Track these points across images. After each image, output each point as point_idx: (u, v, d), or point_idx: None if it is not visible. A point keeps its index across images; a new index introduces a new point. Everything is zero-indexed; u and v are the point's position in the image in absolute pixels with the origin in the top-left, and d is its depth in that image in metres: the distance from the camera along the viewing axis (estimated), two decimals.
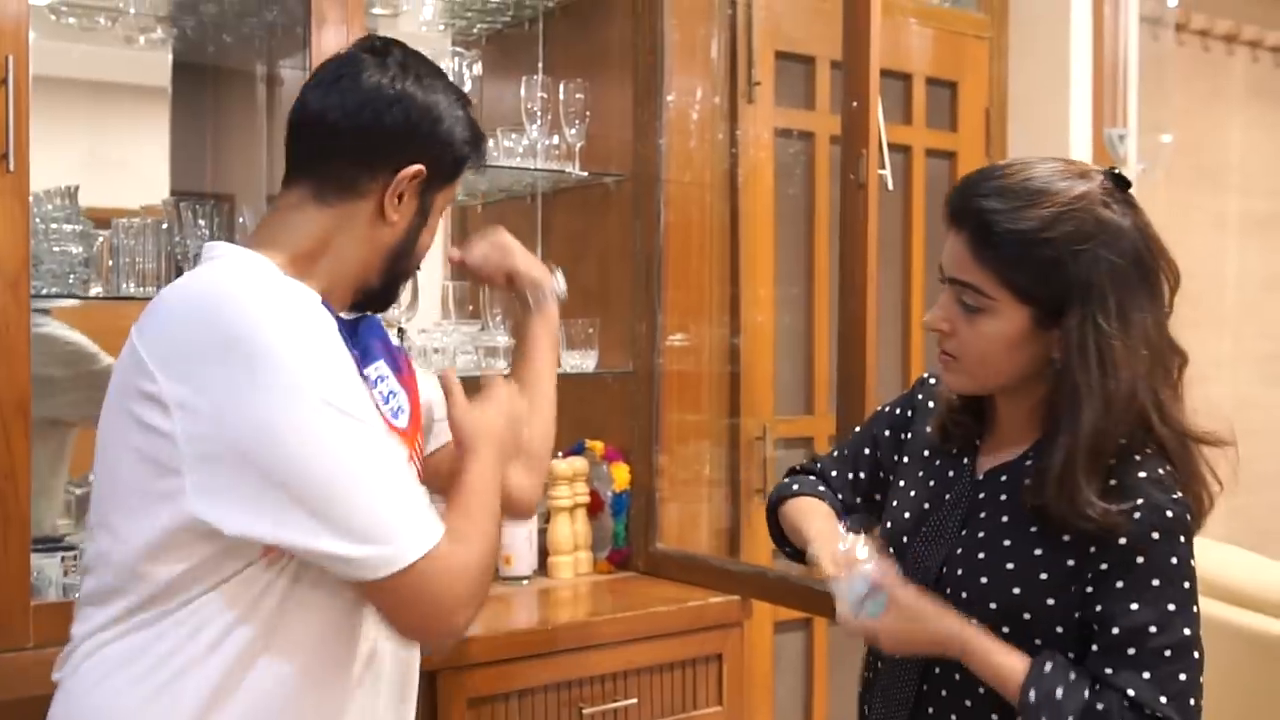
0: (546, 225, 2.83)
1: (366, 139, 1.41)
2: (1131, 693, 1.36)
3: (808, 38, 3.02)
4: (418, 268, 1.54)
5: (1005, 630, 1.45)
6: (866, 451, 1.76)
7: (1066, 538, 1.43)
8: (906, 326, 3.24)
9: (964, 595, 1.49)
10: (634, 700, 2.24)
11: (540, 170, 2.57)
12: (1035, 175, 1.46)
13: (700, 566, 2.53)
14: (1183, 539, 1.41)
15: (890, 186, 2.23)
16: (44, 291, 2.04)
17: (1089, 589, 1.42)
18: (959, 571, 1.50)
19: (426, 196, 1.47)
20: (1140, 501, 1.40)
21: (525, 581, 2.49)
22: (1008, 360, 1.48)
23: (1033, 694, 1.37)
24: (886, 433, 1.74)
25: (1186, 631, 1.39)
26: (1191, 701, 1.39)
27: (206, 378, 1.26)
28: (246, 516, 1.26)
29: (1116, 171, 1.50)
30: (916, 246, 3.26)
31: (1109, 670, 1.38)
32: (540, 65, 2.82)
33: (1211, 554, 3.63)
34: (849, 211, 2.11)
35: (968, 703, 1.50)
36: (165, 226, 2.17)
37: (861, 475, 1.76)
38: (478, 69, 2.55)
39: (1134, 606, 1.38)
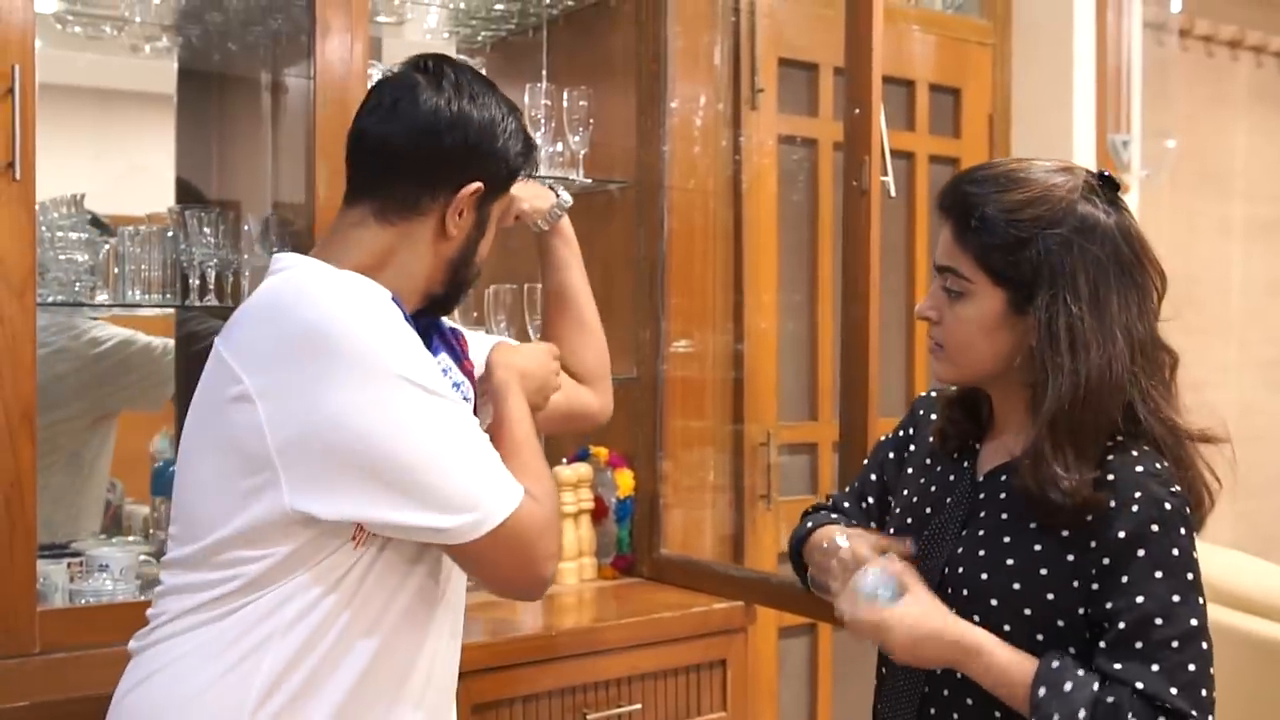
0: None
1: (428, 163, 1.46)
2: (1141, 685, 1.36)
3: (810, 44, 3.03)
4: (479, 273, 1.59)
5: (1007, 628, 1.45)
6: (873, 478, 1.78)
7: (1065, 533, 1.44)
8: (909, 333, 3.24)
9: (965, 593, 1.49)
10: (638, 706, 2.24)
11: (544, 177, 2.58)
12: (1020, 167, 1.52)
13: (704, 572, 2.53)
14: (1182, 530, 1.41)
15: (893, 193, 2.23)
16: (50, 300, 2.05)
17: (1093, 585, 1.42)
18: (960, 570, 1.51)
19: (484, 209, 1.53)
20: (1138, 495, 1.41)
21: None
22: (986, 345, 1.50)
23: (1042, 690, 1.38)
24: (890, 455, 1.76)
25: (1193, 622, 1.39)
26: (1203, 692, 1.38)
27: (288, 370, 1.32)
28: (340, 501, 1.32)
29: (1106, 174, 1.53)
30: (919, 253, 3.26)
31: (1117, 665, 1.38)
32: (544, 73, 2.82)
33: (1217, 559, 3.63)
34: (852, 218, 2.11)
35: (969, 701, 1.50)
36: (171, 234, 2.18)
37: (870, 501, 1.77)
38: None
39: (1139, 600, 1.39)
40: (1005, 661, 1.42)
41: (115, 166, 2.58)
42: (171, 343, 2.45)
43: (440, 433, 1.35)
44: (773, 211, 2.98)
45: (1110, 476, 1.42)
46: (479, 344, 1.70)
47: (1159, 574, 1.39)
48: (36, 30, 1.86)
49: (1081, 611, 1.43)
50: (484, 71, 2.54)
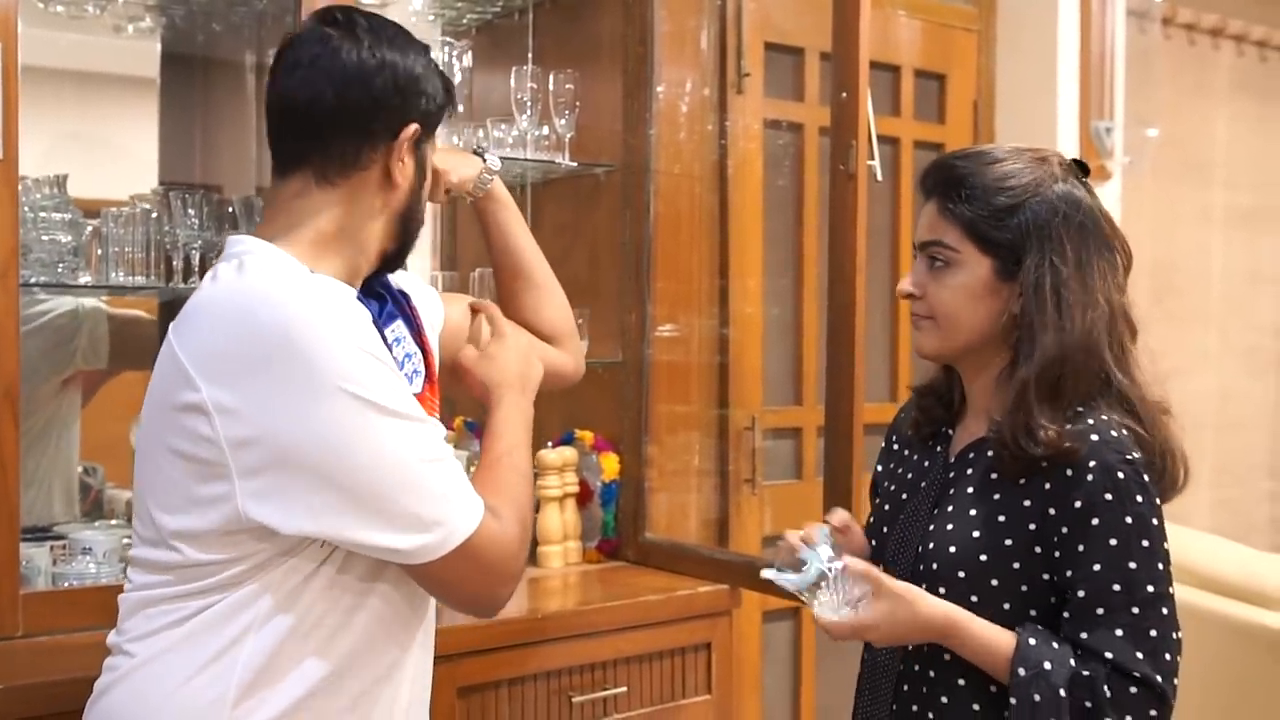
0: (536, 215, 2.83)
1: (363, 113, 1.41)
2: (1110, 655, 1.40)
3: (797, 29, 3.03)
4: (423, 220, 1.56)
5: (974, 599, 1.49)
6: (877, 501, 1.77)
7: (1027, 502, 1.48)
8: (895, 317, 3.25)
9: (935, 568, 1.53)
10: (623, 689, 2.25)
11: (530, 161, 2.57)
12: (999, 147, 1.60)
13: (689, 556, 2.54)
14: (1138, 498, 1.44)
15: (880, 177, 2.23)
16: (33, 280, 2.04)
17: (1055, 553, 1.46)
18: (931, 546, 1.55)
19: (421, 151, 1.49)
20: (1092, 464, 1.44)
21: None
22: (972, 313, 1.55)
23: (1022, 670, 1.41)
24: (879, 469, 1.78)
25: (1150, 588, 1.42)
26: (1167, 656, 1.42)
27: (248, 383, 1.28)
28: (300, 517, 1.30)
29: (1077, 159, 1.60)
30: (904, 238, 3.27)
31: (1084, 634, 1.42)
32: (530, 56, 2.82)
33: (1198, 545, 3.66)
34: (838, 202, 2.11)
35: (944, 699, 1.54)
36: (154, 216, 2.16)
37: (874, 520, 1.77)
38: (468, 60, 2.55)
39: (1096, 568, 1.43)
40: (982, 638, 1.46)
41: (98, 148, 2.56)
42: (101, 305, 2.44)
43: (402, 453, 1.32)
44: (758, 196, 2.98)
45: (1069, 444, 1.46)
46: (426, 300, 1.68)
47: (1113, 541, 1.43)
48: (19, 10, 1.84)
49: (1046, 577, 1.47)
50: (470, 55, 2.55)
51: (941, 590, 1.51)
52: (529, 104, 2.53)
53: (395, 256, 1.52)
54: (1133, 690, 1.40)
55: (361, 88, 1.41)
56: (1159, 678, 1.41)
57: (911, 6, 3.33)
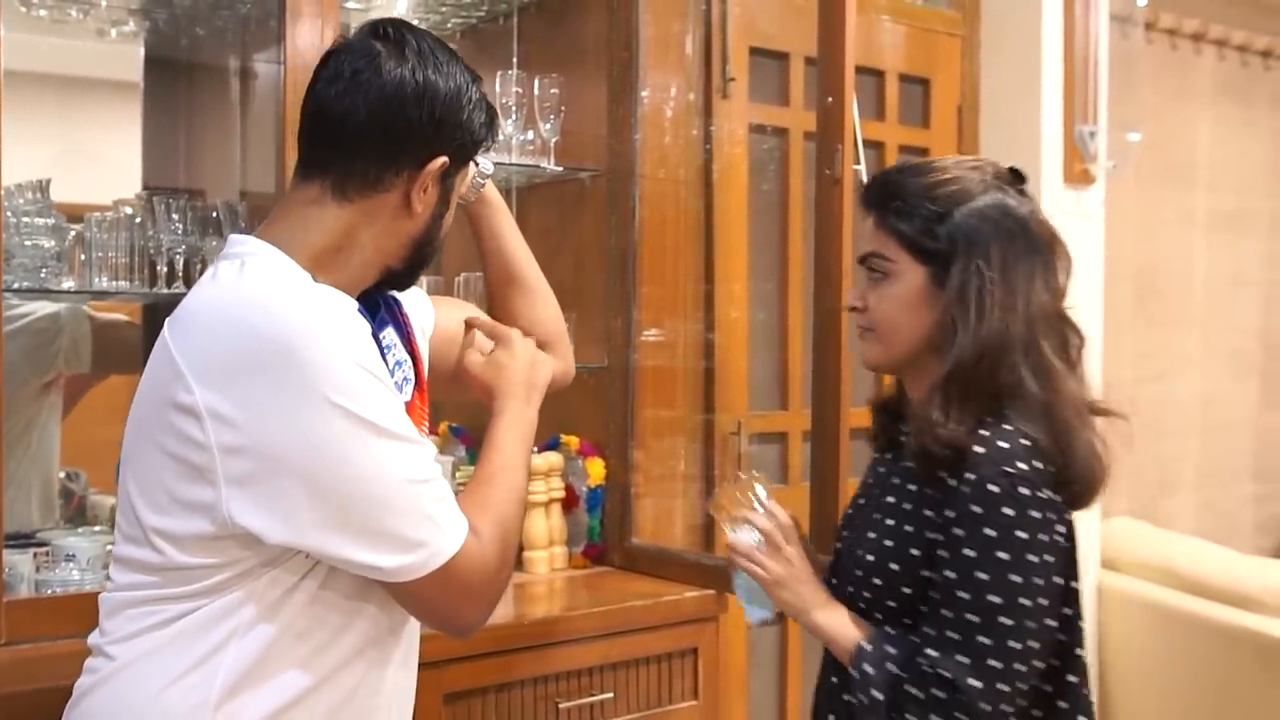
0: (521, 220, 2.78)
1: (393, 138, 1.39)
2: (934, 653, 1.47)
3: (782, 34, 3.03)
4: (440, 249, 1.54)
5: (892, 604, 1.57)
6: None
7: (928, 512, 1.54)
8: None
9: (859, 574, 1.62)
10: (610, 694, 2.24)
11: (515, 165, 2.57)
12: (936, 159, 1.66)
13: (675, 561, 2.54)
14: (1007, 510, 1.46)
15: (865, 181, 2.23)
16: (16, 285, 2.03)
17: (930, 556, 1.53)
18: (859, 553, 1.63)
19: (448, 182, 1.47)
20: (970, 477, 1.48)
21: None
22: (910, 322, 1.59)
23: (854, 672, 1.52)
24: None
25: (997, 599, 1.45)
26: (995, 664, 1.44)
27: (243, 392, 1.26)
28: (285, 527, 1.28)
29: (1014, 167, 1.64)
30: None
31: (927, 628, 1.50)
32: (515, 60, 2.81)
33: (1182, 548, 3.68)
34: (824, 206, 2.12)
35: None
36: (138, 221, 2.16)
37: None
38: None
39: (949, 574, 1.48)
40: (833, 631, 1.59)
41: (81, 153, 2.54)
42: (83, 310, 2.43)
43: (391, 473, 1.31)
44: (744, 200, 2.98)
45: (965, 446, 1.50)
46: (416, 305, 1.66)
47: (969, 552, 1.46)
48: (2, 15, 1.84)
49: (925, 574, 1.53)
50: None
51: (866, 595, 1.60)
52: (514, 108, 2.52)
53: (401, 276, 1.50)
54: (937, 693, 1.45)
55: (397, 112, 1.39)
56: (974, 683, 1.44)
57: (895, 11, 3.34)
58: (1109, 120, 3.51)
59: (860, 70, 3.26)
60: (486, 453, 1.50)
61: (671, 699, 2.34)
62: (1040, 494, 1.48)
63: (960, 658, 1.45)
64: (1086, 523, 3.53)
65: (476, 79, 1.48)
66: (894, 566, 1.57)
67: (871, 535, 1.62)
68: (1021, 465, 1.48)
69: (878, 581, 1.59)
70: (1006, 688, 1.45)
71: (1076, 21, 3.40)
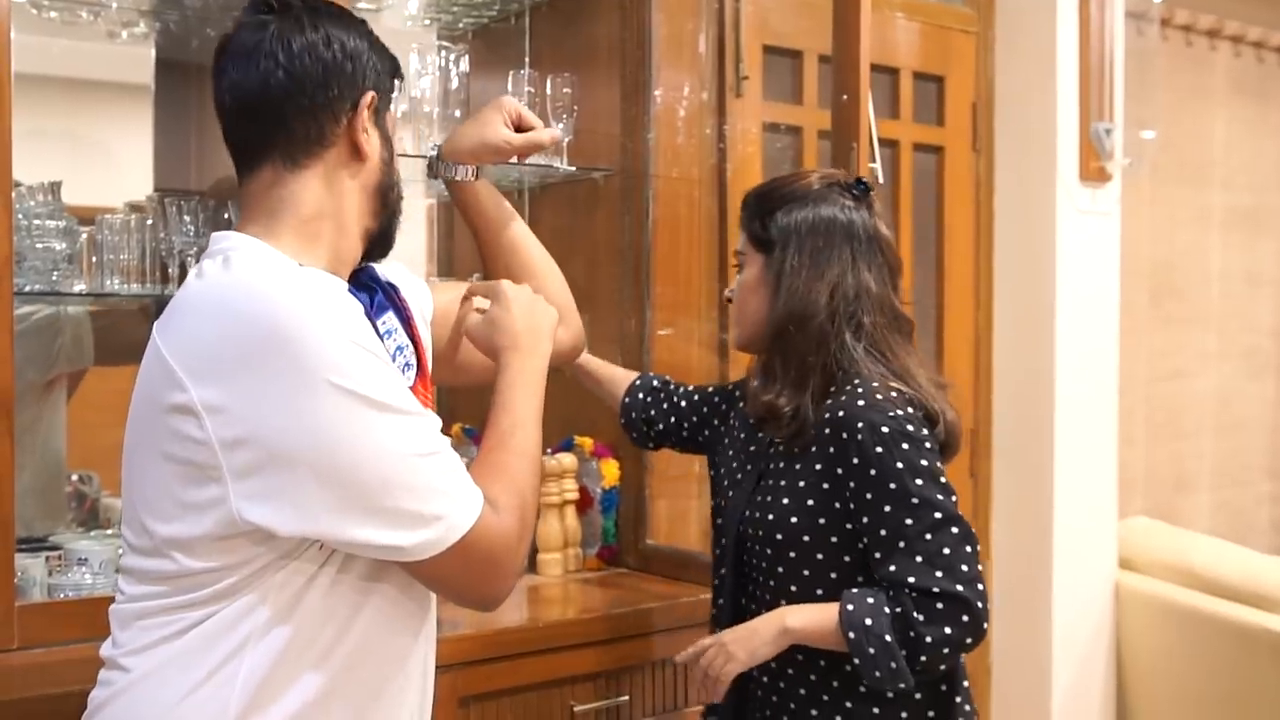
0: (534, 220, 2.81)
1: (318, 86, 1.40)
2: (912, 579, 1.65)
3: (795, 32, 3.01)
4: (401, 192, 1.53)
5: (792, 554, 1.77)
6: (718, 473, 2.03)
7: (818, 466, 1.75)
8: None
9: (759, 533, 1.81)
10: (626, 698, 2.23)
11: (527, 165, 2.55)
12: (792, 172, 1.98)
13: (690, 562, 2.52)
14: (904, 445, 1.70)
15: (881, 180, 2.22)
16: (27, 289, 2.02)
17: (850, 505, 1.72)
18: (755, 515, 1.83)
19: (380, 120, 1.47)
20: (859, 424, 1.71)
21: None
22: (752, 303, 1.86)
23: (851, 634, 1.65)
24: (725, 440, 2.03)
25: (937, 514, 1.67)
26: (964, 568, 1.65)
27: (238, 381, 1.24)
28: (297, 517, 1.26)
29: (859, 179, 1.90)
30: (904, 240, 3.25)
31: (892, 567, 1.67)
32: (527, 60, 2.80)
33: (1198, 547, 3.65)
34: None
35: (792, 704, 1.80)
36: (150, 223, 2.15)
37: (689, 421, 2.14)
38: (464, 64, 2.52)
39: (886, 509, 1.68)
40: (814, 621, 1.71)
41: (92, 155, 2.54)
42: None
43: (398, 448, 1.28)
44: None
45: (840, 413, 1.73)
46: (414, 291, 1.65)
47: (893, 485, 1.68)
48: (12, 16, 1.83)
49: (849, 526, 1.73)
50: (467, 59, 2.53)
51: (767, 551, 1.80)
52: (526, 108, 2.50)
53: (380, 236, 1.49)
54: (939, 605, 1.63)
55: (312, 61, 1.39)
56: (959, 587, 1.64)
57: (910, 9, 3.32)
58: (1124, 117, 3.49)
59: (874, 68, 3.23)
60: (494, 414, 1.47)
61: (688, 702, 2.32)
62: (923, 431, 1.73)
63: (936, 573, 1.64)
64: (1103, 522, 3.51)
65: (363, 24, 1.49)
66: (793, 520, 1.77)
67: (768, 499, 1.81)
68: (899, 411, 1.72)
69: (779, 537, 1.78)
70: (979, 580, 1.66)
71: (1092, 18, 3.37)
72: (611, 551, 2.63)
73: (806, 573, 1.77)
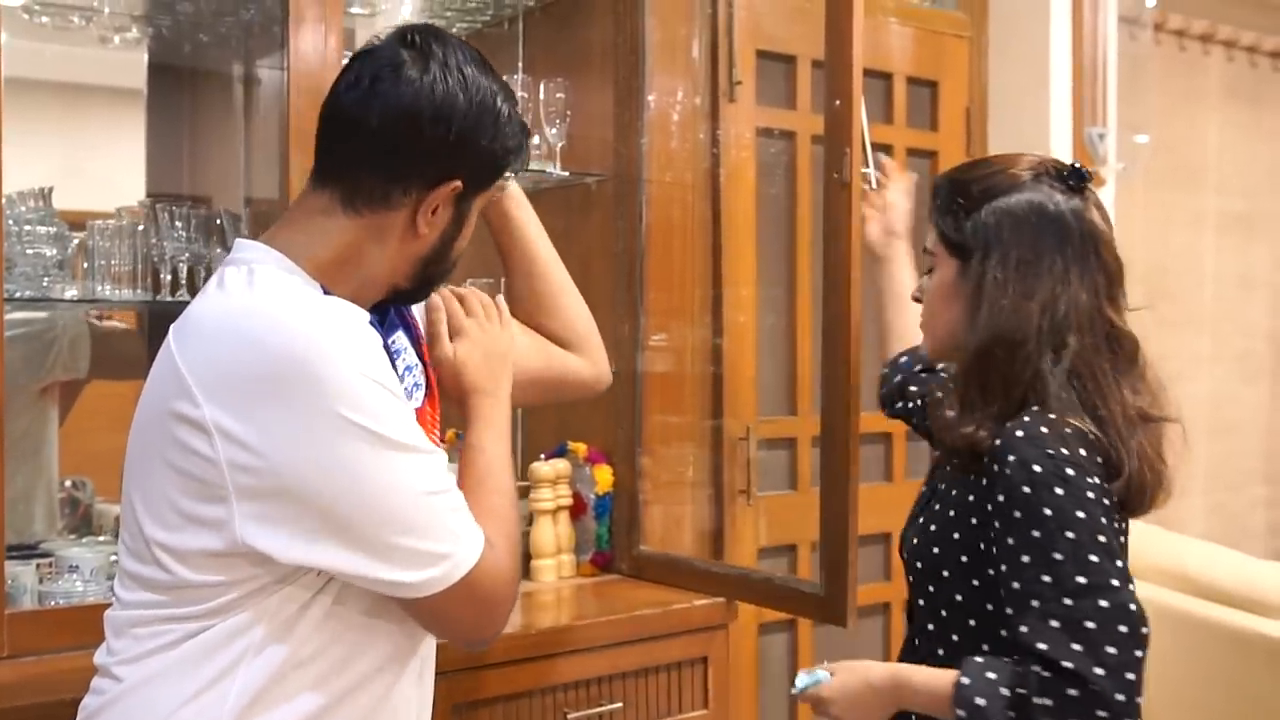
0: None
1: (401, 156, 1.34)
2: (1043, 647, 1.39)
3: (788, 37, 3.01)
4: (453, 269, 1.48)
5: (931, 589, 1.60)
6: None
7: (971, 498, 1.55)
8: None
9: (905, 558, 1.67)
10: (619, 704, 2.22)
11: (521, 170, 2.55)
12: (996, 156, 1.69)
13: (684, 569, 2.51)
14: (1057, 490, 1.44)
15: (874, 185, 2.22)
16: (18, 295, 2.02)
17: (993, 549, 1.50)
18: (908, 538, 1.68)
19: (463, 205, 1.41)
20: (1011, 459, 1.47)
21: None
22: (943, 313, 1.64)
23: (961, 712, 1.43)
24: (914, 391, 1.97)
25: (1081, 580, 1.41)
26: (1110, 650, 1.38)
27: (255, 409, 1.23)
28: (299, 546, 1.26)
29: (1076, 165, 1.62)
30: None
31: (1023, 629, 1.43)
32: (520, 65, 2.80)
33: (1193, 552, 3.65)
34: (832, 210, 2.09)
35: None
36: (141, 228, 2.14)
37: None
38: None
39: (1024, 559, 1.44)
40: (926, 688, 1.50)
41: (84, 161, 2.53)
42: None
43: (408, 487, 1.28)
44: (751, 204, 2.96)
45: (998, 441, 1.50)
46: (422, 306, 1.61)
47: (1036, 534, 1.44)
48: (3, 21, 1.82)
49: (990, 572, 1.51)
50: None
51: (910, 579, 1.66)
52: (515, 98, 2.50)
53: (408, 294, 1.47)
54: (1070, 692, 1.37)
55: (410, 128, 1.33)
56: (1099, 672, 1.37)
57: (903, 14, 3.32)
58: (1118, 122, 3.49)
59: (868, 73, 3.23)
60: (468, 455, 1.46)
61: (681, 708, 2.32)
62: (1089, 479, 1.45)
63: (1074, 646, 1.39)
64: None
65: (508, 96, 1.41)
66: (935, 550, 1.59)
67: (921, 521, 1.66)
68: (1064, 450, 1.46)
69: (919, 566, 1.62)
70: (1131, 675, 1.38)
71: (1085, 23, 3.38)
72: (605, 558, 2.62)
73: (944, 613, 1.59)
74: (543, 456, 2.62)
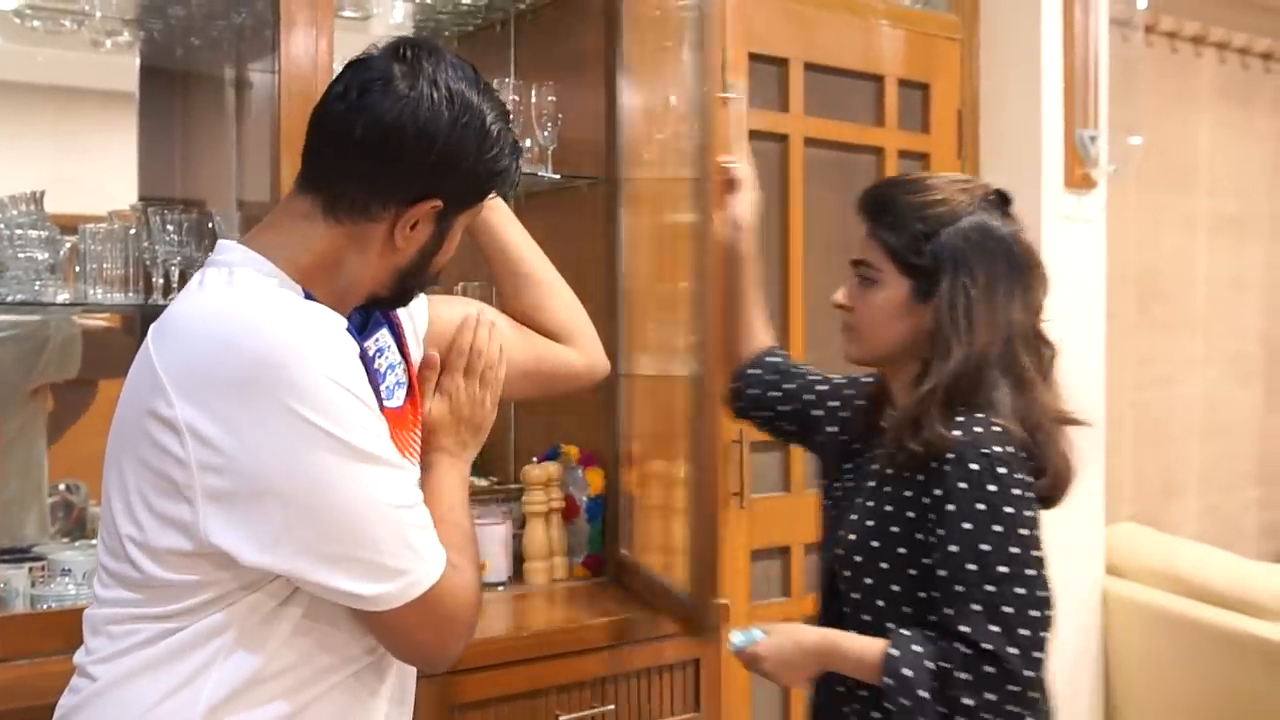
0: None
1: (383, 170, 1.33)
2: (965, 629, 1.55)
3: (780, 40, 3.02)
4: (434, 281, 1.48)
5: (868, 581, 1.69)
6: (813, 397, 2.00)
7: (908, 493, 1.66)
8: None
9: (840, 553, 1.74)
10: (611, 706, 2.22)
11: (511, 192, 2.54)
12: (929, 176, 1.78)
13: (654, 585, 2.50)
14: (990, 486, 1.59)
15: (735, 96, 2.24)
16: (9, 299, 2.02)
17: (929, 539, 1.62)
18: (840, 534, 1.75)
19: (444, 223, 1.41)
20: (950, 457, 1.60)
21: (501, 588, 2.47)
22: (890, 328, 1.73)
23: (888, 680, 1.58)
24: (828, 401, 1.98)
25: (1003, 568, 1.56)
26: (1023, 631, 1.55)
27: (226, 412, 1.24)
28: (260, 549, 1.26)
29: (1001, 190, 1.76)
30: None
31: (948, 611, 1.57)
32: (512, 68, 2.80)
33: (1186, 553, 3.66)
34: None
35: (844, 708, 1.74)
36: (133, 232, 2.14)
37: (797, 405, 2.02)
38: None
39: (952, 549, 1.58)
40: (854, 654, 1.65)
41: (76, 164, 2.53)
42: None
43: (373, 499, 1.28)
44: None
45: (938, 440, 1.62)
46: (411, 306, 1.60)
47: (968, 526, 1.58)
48: None
49: (925, 562, 1.63)
50: None
51: (846, 574, 1.72)
52: (511, 116, 2.50)
53: (386, 303, 1.46)
54: (988, 669, 1.53)
55: (393, 144, 1.32)
56: (1013, 651, 1.53)
57: (894, 16, 3.32)
58: (1110, 124, 3.50)
59: (859, 75, 3.26)
60: (428, 498, 1.42)
61: (673, 710, 2.32)
62: (1016, 475, 1.60)
63: (992, 627, 1.54)
64: (1090, 528, 3.52)
65: (501, 115, 1.40)
66: (873, 544, 1.69)
67: (853, 517, 1.73)
68: (997, 448, 1.60)
69: (857, 559, 1.70)
70: (1039, 653, 1.56)
71: (1076, 25, 3.39)
72: (597, 560, 2.62)
73: (881, 603, 1.69)
74: (535, 459, 2.62)
